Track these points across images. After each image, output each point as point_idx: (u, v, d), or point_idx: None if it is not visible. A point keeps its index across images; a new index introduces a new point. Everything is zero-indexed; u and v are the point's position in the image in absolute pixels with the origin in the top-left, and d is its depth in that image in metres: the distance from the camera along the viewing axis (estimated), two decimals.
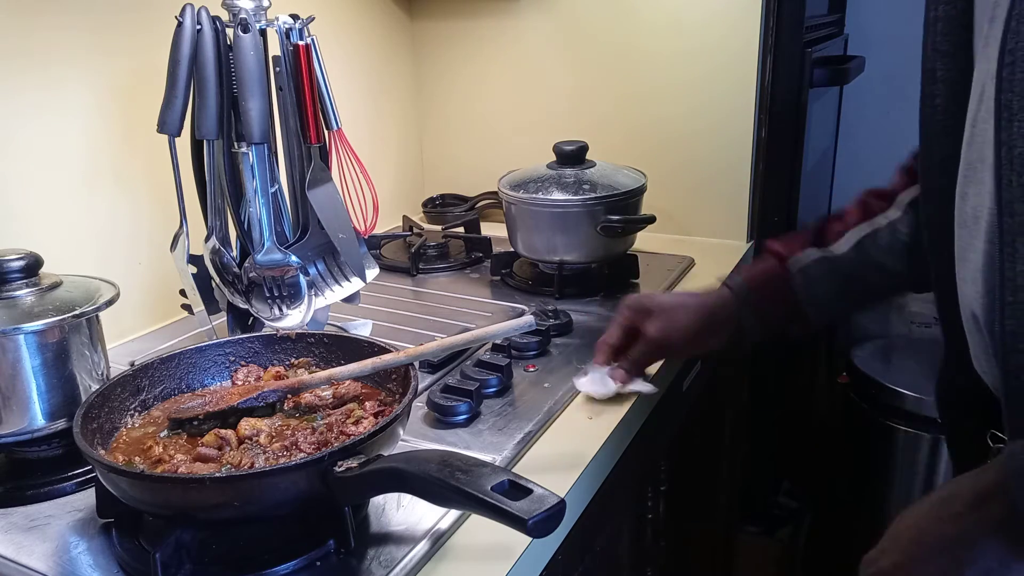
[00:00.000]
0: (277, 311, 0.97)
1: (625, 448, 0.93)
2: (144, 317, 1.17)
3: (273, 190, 0.97)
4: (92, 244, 1.09)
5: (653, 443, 1.07)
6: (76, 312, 0.79)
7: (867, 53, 1.79)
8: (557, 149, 1.29)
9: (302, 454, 0.71)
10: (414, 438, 0.86)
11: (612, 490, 0.91)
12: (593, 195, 1.23)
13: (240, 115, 0.91)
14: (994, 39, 0.56)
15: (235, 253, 1.00)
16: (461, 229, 1.51)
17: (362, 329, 1.10)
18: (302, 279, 0.97)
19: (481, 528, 0.71)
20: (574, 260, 1.28)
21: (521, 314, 1.17)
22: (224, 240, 0.99)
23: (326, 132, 0.99)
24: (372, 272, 1.05)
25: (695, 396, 1.23)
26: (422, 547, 0.68)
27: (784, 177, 1.48)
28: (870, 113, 1.98)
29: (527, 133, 1.61)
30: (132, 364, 0.82)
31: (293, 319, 0.97)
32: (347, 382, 0.82)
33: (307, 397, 0.81)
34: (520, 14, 1.55)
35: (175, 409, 0.79)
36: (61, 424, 0.81)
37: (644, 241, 1.37)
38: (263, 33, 0.93)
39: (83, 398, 0.78)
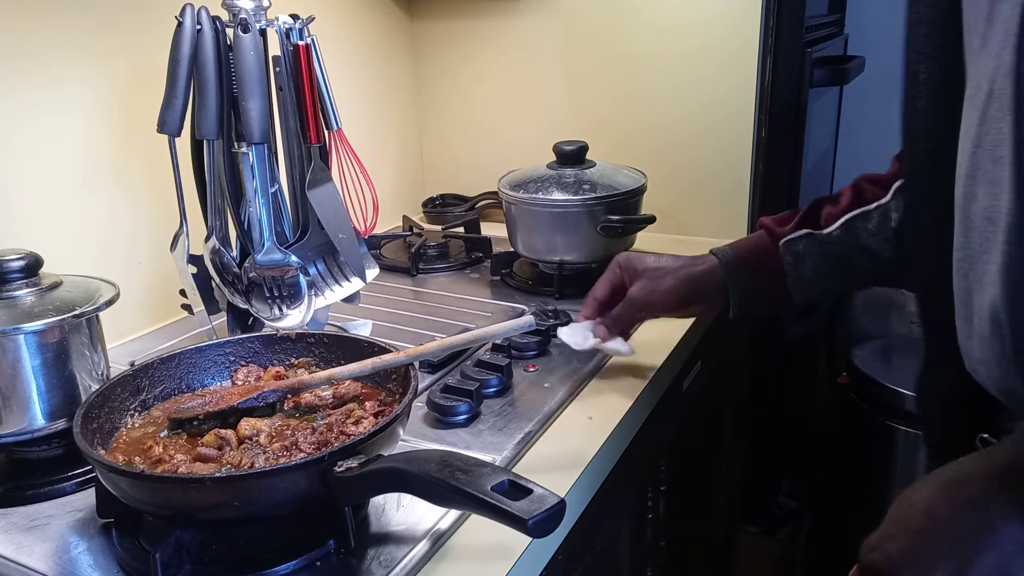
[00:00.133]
0: (277, 311, 0.97)
1: (625, 448, 0.93)
2: (144, 317, 1.17)
3: (273, 190, 0.97)
4: (92, 244, 1.09)
5: (653, 443, 1.07)
6: (76, 312, 0.79)
7: (867, 53, 1.79)
8: (557, 149, 1.29)
9: (302, 454, 0.71)
10: (414, 438, 0.86)
11: (612, 490, 0.91)
12: (593, 195, 1.23)
13: (240, 115, 0.91)
14: (998, 36, 0.55)
15: (235, 253, 1.00)
16: (461, 229, 1.51)
17: (362, 329, 1.10)
18: (302, 279, 0.97)
19: (481, 528, 0.71)
20: (574, 260, 1.28)
21: (521, 314, 1.17)
22: (224, 240, 0.99)
23: (326, 132, 0.99)
24: (372, 272, 1.05)
25: (695, 396, 1.23)
26: (422, 547, 0.68)
27: (784, 177, 1.48)
28: (870, 113, 1.99)
29: (527, 133, 1.61)
30: (132, 364, 0.82)
31: (293, 319, 0.97)
32: (347, 382, 0.82)
33: (307, 397, 0.81)
34: (520, 14, 1.55)
35: (175, 409, 0.79)
36: (61, 424, 0.81)
37: (644, 241, 1.36)
38: (263, 33, 0.93)
39: (83, 398, 0.78)
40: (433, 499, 0.62)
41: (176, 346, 1.02)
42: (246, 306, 0.99)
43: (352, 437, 0.69)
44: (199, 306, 1.00)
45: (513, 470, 0.71)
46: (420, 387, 0.91)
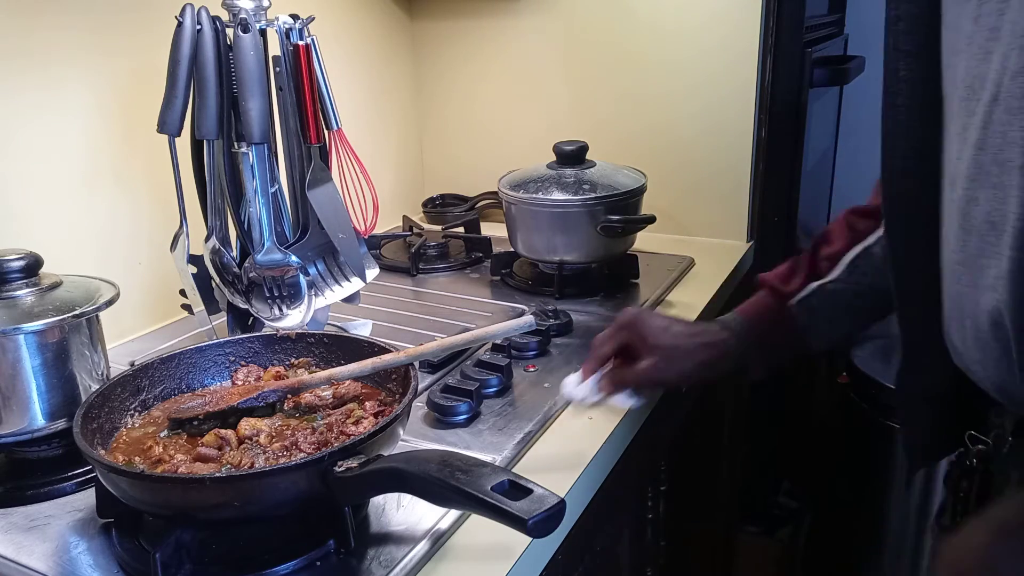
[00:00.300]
0: (277, 311, 0.97)
1: (625, 448, 0.93)
2: (144, 317, 1.17)
3: (273, 190, 0.97)
4: (92, 244, 1.09)
5: (653, 443, 1.07)
6: (76, 312, 0.79)
7: (867, 53, 1.79)
8: (557, 149, 1.29)
9: (302, 454, 0.71)
10: (414, 438, 0.86)
11: (612, 490, 0.91)
12: (593, 195, 1.23)
13: (240, 115, 0.91)
14: (1001, 38, 0.55)
15: (235, 253, 1.00)
16: (461, 229, 1.51)
17: (362, 329, 1.10)
18: (302, 279, 0.97)
19: (481, 528, 0.71)
20: (574, 260, 1.28)
21: (521, 314, 1.17)
22: (224, 240, 0.99)
23: (326, 132, 0.99)
24: (372, 272, 1.05)
25: (695, 396, 1.23)
26: (422, 547, 0.68)
27: (784, 177, 1.48)
28: (870, 113, 1.97)
29: (527, 133, 1.61)
30: (132, 364, 0.82)
31: (293, 319, 0.97)
32: (347, 382, 0.82)
33: (307, 397, 0.81)
34: (520, 14, 1.55)
35: (175, 409, 0.79)
36: (61, 424, 0.81)
37: (644, 241, 1.37)
38: (263, 33, 0.93)
39: (83, 398, 0.78)
40: (433, 499, 0.62)
41: (176, 346, 1.02)
42: (246, 306, 0.99)
43: (352, 437, 0.69)
44: (199, 306, 1.00)
45: (513, 470, 0.71)
46: (420, 387, 0.91)
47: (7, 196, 0.99)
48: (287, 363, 0.87)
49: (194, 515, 0.65)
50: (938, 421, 0.76)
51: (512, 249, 1.35)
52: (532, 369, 1.00)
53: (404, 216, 1.60)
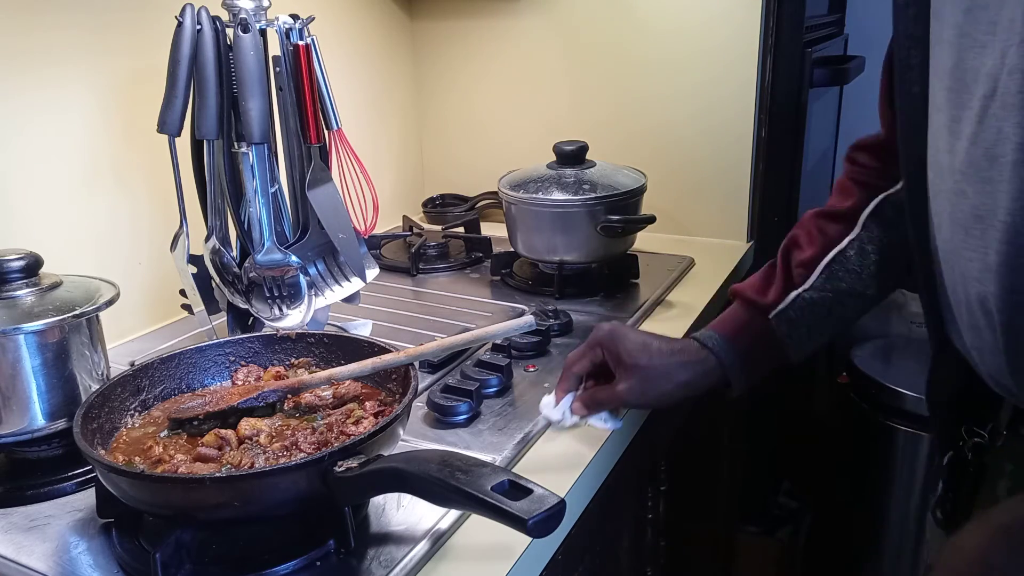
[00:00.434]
0: (277, 311, 0.97)
1: (625, 448, 0.93)
2: (144, 317, 1.17)
3: (273, 190, 0.97)
4: (92, 244, 1.09)
5: (653, 443, 1.07)
6: (76, 312, 0.79)
7: (867, 53, 1.79)
8: (557, 149, 1.29)
9: (302, 454, 0.71)
10: (414, 438, 0.86)
11: (612, 490, 0.91)
12: (593, 195, 1.23)
13: (240, 115, 0.91)
14: (998, 33, 0.55)
15: (235, 253, 1.00)
16: (461, 229, 1.51)
17: (362, 329, 1.10)
18: (302, 279, 0.97)
19: (481, 528, 0.71)
20: (574, 260, 1.28)
21: (521, 314, 1.17)
22: (224, 240, 0.99)
23: (326, 132, 0.99)
24: (372, 272, 1.05)
25: (695, 396, 1.23)
26: (422, 547, 0.68)
27: (784, 177, 1.48)
28: (870, 113, 1.98)
29: (527, 133, 1.61)
30: (132, 364, 0.82)
31: (293, 319, 0.97)
32: (347, 382, 0.82)
33: (307, 397, 0.81)
34: (520, 14, 1.55)
35: (175, 409, 0.79)
36: (61, 424, 0.81)
37: (644, 241, 1.37)
38: (263, 33, 0.93)
39: (83, 398, 0.78)
40: (433, 499, 0.62)
41: (176, 346, 1.02)
42: (246, 306, 0.99)
43: (352, 437, 0.69)
44: (199, 306, 1.00)
45: (513, 470, 0.71)
46: (420, 387, 0.91)
47: (7, 196, 0.99)
48: (287, 363, 0.87)
49: (194, 515, 0.65)
50: (955, 418, 0.76)
51: (512, 249, 1.35)
52: (532, 369, 1.00)
53: (404, 216, 1.60)
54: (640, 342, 0.83)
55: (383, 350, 0.81)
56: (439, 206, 1.69)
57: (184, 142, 0.94)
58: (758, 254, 1.50)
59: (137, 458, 0.72)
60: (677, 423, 1.19)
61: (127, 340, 1.13)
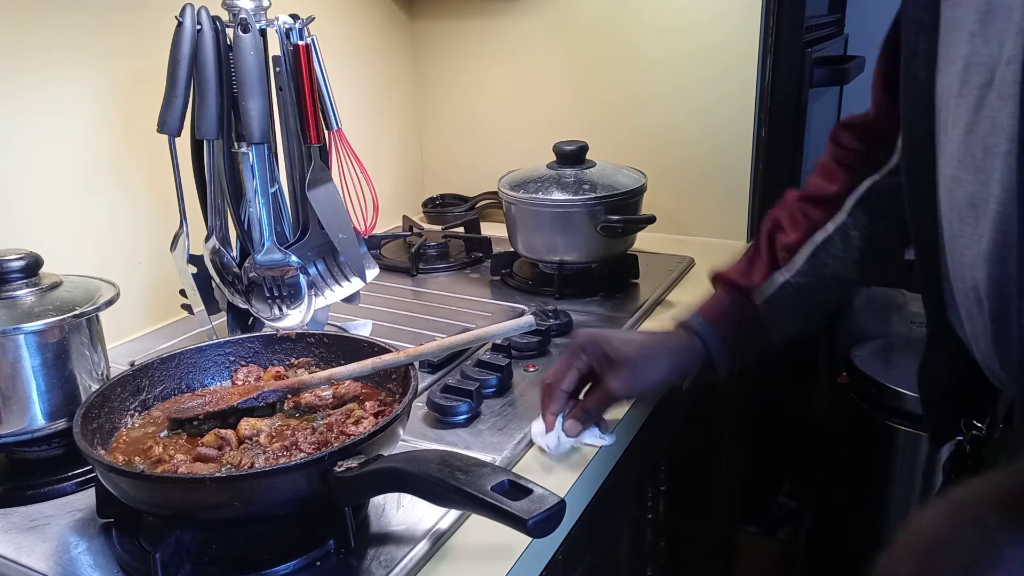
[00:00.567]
0: (277, 311, 0.97)
1: (625, 448, 0.93)
2: (144, 317, 1.17)
3: (273, 190, 0.97)
4: (92, 244, 1.09)
5: (653, 443, 1.07)
6: (76, 312, 0.79)
7: (867, 53, 1.79)
8: (557, 149, 1.29)
9: (302, 454, 0.71)
10: (414, 438, 0.86)
11: (612, 490, 0.91)
12: (593, 195, 1.23)
13: (240, 115, 0.91)
14: (996, 21, 0.54)
15: (235, 253, 1.00)
16: (461, 229, 1.51)
17: (362, 329, 1.10)
18: (302, 279, 0.97)
19: (481, 528, 0.71)
20: (574, 260, 1.28)
21: (521, 314, 1.17)
22: (224, 240, 0.99)
23: (326, 132, 0.99)
24: (372, 272, 1.05)
25: (695, 396, 1.23)
26: (422, 547, 0.68)
27: (784, 177, 1.48)
28: None
29: (527, 133, 1.61)
30: (132, 364, 0.82)
31: (293, 319, 0.97)
32: (347, 382, 0.82)
33: (307, 397, 0.81)
34: (520, 14, 1.55)
35: (175, 409, 0.79)
36: (61, 424, 0.81)
37: (644, 241, 1.36)
38: (263, 33, 0.93)
39: (83, 398, 0.78)
40: (433, 499, 0.62)
41: (176, 346, 1.02)
42: (246, 306, 0.99)
43: (352, 437, 0.69)
44: (199, 306, 1.00)
45: (513, 470, 0.71)
46: (420, 387, 0.91)
47: (7, 196, 0.99)
48: (287, 363, 0.87)
49: (194, 515, 0.65)
50: (952, 404, 0.76)
51: (512, 249, 1.35)
52: (532, 369, 1.00)
53: (404, 216, 1.60)
54: (623, 337, 0.85)
55: (383, 350, 0.81)
56: (439, 206, 1.69)
57: (184, 142, 0.94)
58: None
59: (137, 458, 0.72)
60: (677, 423, 1.19)
61: (127, 340, 1.13)
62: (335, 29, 1.45)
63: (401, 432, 0.73)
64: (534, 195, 1.25)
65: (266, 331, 0.92)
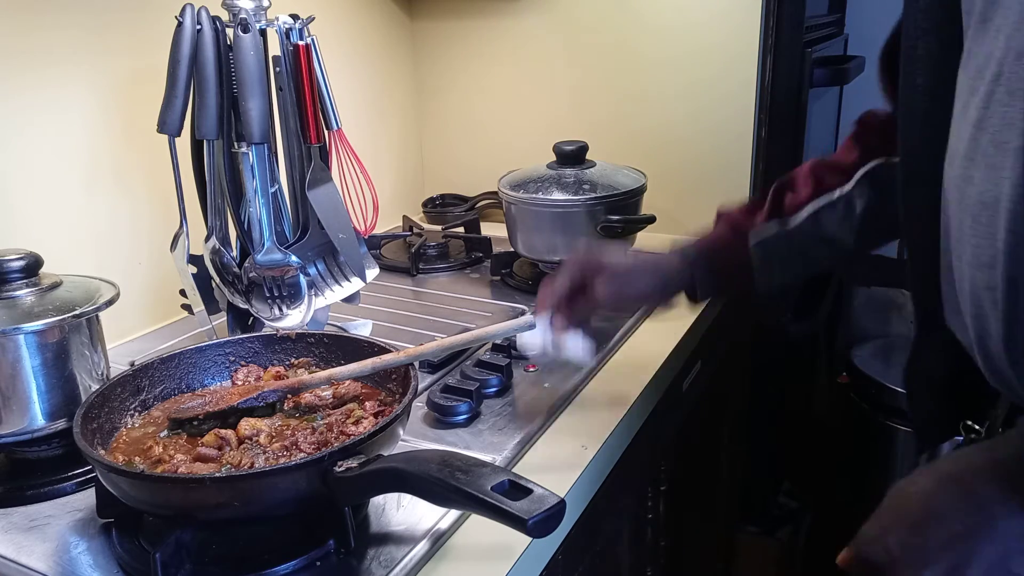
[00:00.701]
0: (277, 311, 0.97)
1: (625, 448, 0.93)
2: (144, 317, 1.17)
3: (273, 190, 0.97)
4: (92, 244, 1.09)
5: (653, 443, 1.07)
6: (76, 312, 0.79)
7: (867, 53, 1.79)
8: (557, 149, 1.29)
9: (302, 454, 0.71)
10: (414, 438, 0.86)
11: (612, 490, 0.91)
12: (593, 195, 1.23)
13: (240, 115, 0.91)
14: (1008, 16, 0.54)
15: (235, 253, 1.00)
16: (461, 229, 1.51)
17: (362, 329, 1.10)
18: (302, 279, 0.97)
19: (481, 528, 0.71)
20: None
21: (521, 314, 1.17)
22: (224, 240, 0.99)
23: (326, 132, 0.99)
24: (372, 272, 1.05)
25: (695, 396, 1.23)
26: (422, 547, 0.68)
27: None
28: None
29: (527, 133, 1.61)
30: (132, 364, 0.82)
31: (293, 319, 0.97)
32: (347, 382, 0.82)
33: (307, 397, 0.81)
34: (520, 14, 1.55)
35: (175, 409, 0.79)
36: (61, 424, 0.81)
37: (644, 241, 1.36)
38: (263, 33, 0.93)
39: (83, 398, 0.78)
40: (433, 499, 0.62)
41: (176, 346, 1.02)
42: (246, 306, 0.99)
43: (352, 437, 0.69)
44: (199, 306, 1.00)
45: (513, 470, 0.71)
46: (420, 387, 0.91)
47: (7, 196, 0.99)
48: (287, 363, 0.87)
49: (194, 515, 0.65)
50: (947, 402, 0.76)
51: (512, 249, 1.35)
52: (532, 369, 1.00)
53: (404, 216, 1.60)
54: (616, 251, 0.90)
55: (383, 350, 0.81)
56: (439, 206, 1.69)
57: (184, 142, 0.94)
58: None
59: (137, 458, 0.72)
60: (677, 423, 1.19)
61: (127, 340, 1.13)
62: (335, 29, 1.45)
63: (401, 432, 0.73)
64: (534, 195, 1.25)
65: (266, 331, 0.92)
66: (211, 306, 1.01)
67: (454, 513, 0.72)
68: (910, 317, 1.90)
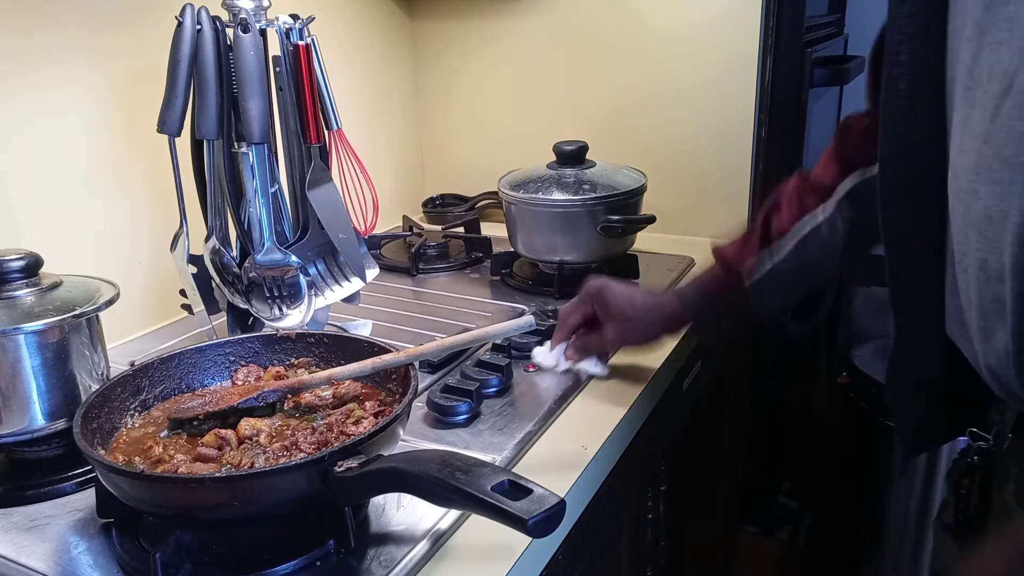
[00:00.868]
0: (277, 311, 0.97)
1: (625, 448, 0.93)
2: (144, 317, 1.17)
3: (273, 190, 0.97)
4: (92, 244, 1.09)
5: (653, 443, 1.07)
6: (76, 312, 0.79)
7: (867, 53, 1.79)
8: (557, 149, 1.29)
9: (302, 454, 0.71)
10: (414, 438, 0.86)
11: (612, 490, 0.91)
12: (593, 195, 1.23)
13: (240, 115, 0.91)
14: (1016, 29, 0.54)
15: (235, 253, 1.00)
16: (461, 229, 1.51)
17: (362, 329, 1.10)
18: (302, 279, 0.97)
19: (481, 528, 0.71)
20: (574, 260, 1.28)
21: (521, 314, 1.17)
22: (224, 240, 0.99)
23: (326, 132, 0.99)
24: (372, 272, 1.05)
25: (695, 396, 1.23)
26: (422, 547, 0.68)
27: (784, 177, 1.48)
28: None
29: (527, 133, 1.61)
30: (132, 364, 0.82)
31: (293, 319, 0.97)
32: (347, 382, 0.82)
33: (307, 397, 0.81)
34: (520, 14, 1.55)
35: (175, 409, 0.79)
36: (61, 424, 0.81)
37: (644, 241, 1.37)
38: (263, 33, 0.93)
39: (83, 398, 0.78)
40: (433, 499, 0.62)
41: (176, 346, 1.02)
42: (246, 306, 0.99)
43: (352, 437, 0.69)
44: (199, 306, 1.00)
45: (513, 470, 0.71)
46: (420, 387, 0.91)
47: (7, 196, 0.99)
48: (287, 363, 0.87)
49: (194, 515, 0.65)
50: (930, 408, 0.76)
51: (512, 249, 1.35)
52: (532, 369, 1.00)
53: (404, 216, 1.60)
54: (626, 295, 0.95)
55: (383, 350, 0.81)
56: (439, 206, 1.69)
57: (184, 142, 0.94)
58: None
59: (137, 458, 0.72)
60: (677, 423, 1.19)
61: (127, 340, 1.13)
62: (335, 29, 1.45)
63: (401, 432, 0.73)
64: (534, 195, 1.25)
65: (266, 331, 0.92)
66: (211, 306, 1.01)
67: (454, 513, 0.72)
68: None
